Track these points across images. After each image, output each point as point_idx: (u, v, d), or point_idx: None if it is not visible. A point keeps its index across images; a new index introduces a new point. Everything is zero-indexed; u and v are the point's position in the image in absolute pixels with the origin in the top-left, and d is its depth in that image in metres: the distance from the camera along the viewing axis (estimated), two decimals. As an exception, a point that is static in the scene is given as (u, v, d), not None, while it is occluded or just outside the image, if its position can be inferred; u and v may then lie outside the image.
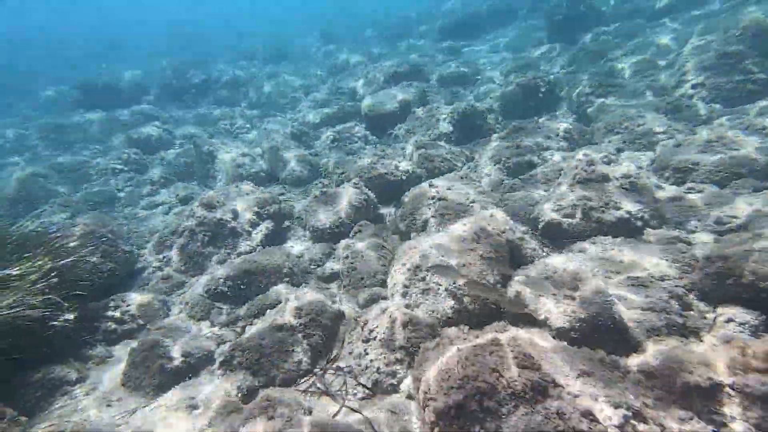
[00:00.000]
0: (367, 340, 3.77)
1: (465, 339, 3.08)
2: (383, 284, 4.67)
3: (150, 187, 8.47)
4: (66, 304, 4.23)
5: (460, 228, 4.39)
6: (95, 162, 9.78)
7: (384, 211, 6.39)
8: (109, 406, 3.51)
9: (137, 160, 9.50)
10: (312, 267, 5.49)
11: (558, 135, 6.84)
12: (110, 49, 29.64)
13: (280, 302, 4.75)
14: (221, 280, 5.02)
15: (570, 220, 4.65)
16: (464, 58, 14.02)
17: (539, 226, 4.85)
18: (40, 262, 4.09)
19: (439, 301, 3.76)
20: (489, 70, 12.12)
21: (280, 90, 13.93)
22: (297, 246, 5.95)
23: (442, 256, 4.02)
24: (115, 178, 9.05)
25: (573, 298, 3.33)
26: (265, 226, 6.00)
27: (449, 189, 5.74)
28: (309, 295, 4.39)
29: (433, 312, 3.72)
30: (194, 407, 3.37)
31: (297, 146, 8.78)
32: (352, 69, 14.88)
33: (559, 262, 3.79)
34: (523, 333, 3.05)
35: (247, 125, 11.79)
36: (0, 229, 4.14)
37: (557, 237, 4.72)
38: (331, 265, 5.33)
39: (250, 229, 5.93)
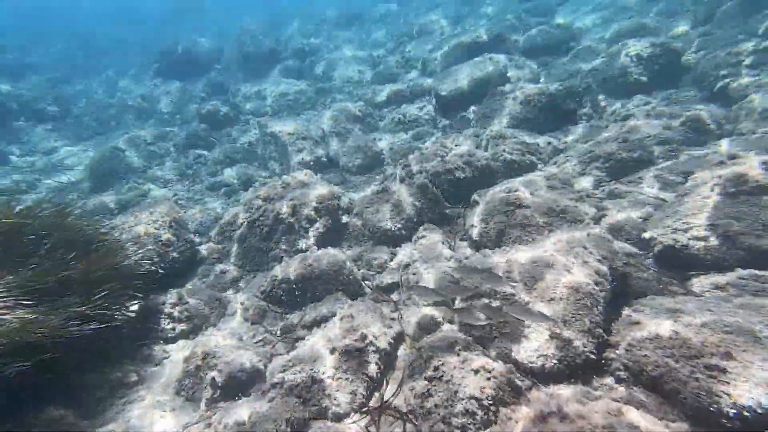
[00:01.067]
0: (431, 379, 3.30)
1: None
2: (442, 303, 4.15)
3: (215, 167, 8.54)
4: (129, 300, 4.30)
5: (548, 247, 3.67)
6: (170, 136, 10.07)
7: (451, 211, 5.74)
8: (162, 417, 3.47)
9: (205, 136, 9.64)
10: (370, 273, 5.09)
11: (685, 123, 5.54)
12: (186, 12, 30.59)
13: (334, 315, 4.46)
14: (276, 282, 4.82)
15: (702, 243, 3.69)
16: (558, 20, 12.14)
17: (654, 250, 3.95)
18: (107, 257, 4.09)
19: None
20: (590, 33, 10.39)
21: (345, 63, 13.36)
22: (354, 248, 5.58)
23: (526, 291, 3.36)
24: (185, 155, 9.27)
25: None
26: (322, 224, 5.66)
27: (532, 194, 4.93)
28: (363, 316, 4.01)
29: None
30: (242, 436, 3.19)
31: (360, 129, 8.27)
32: (426, 37, 13.74)
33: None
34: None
35: (310, 103, 11.47)
36: (71, 222, 4.15)
37: (681, 266, 3.80)
38: (391, 277, 4.88)
39: (308, 225, 5.64)
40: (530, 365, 3.12)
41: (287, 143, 7.84)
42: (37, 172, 9.47)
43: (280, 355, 4.13)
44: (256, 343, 4.34)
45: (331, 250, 5.26)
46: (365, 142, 7.63)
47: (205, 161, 8.92)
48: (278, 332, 4.48)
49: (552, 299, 3.33)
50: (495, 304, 3.50)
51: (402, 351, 3.93)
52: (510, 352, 3.24)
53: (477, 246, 4.94)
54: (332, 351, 3.70)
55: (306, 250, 5.47)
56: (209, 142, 9.57)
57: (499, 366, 3.03)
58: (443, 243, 5.09)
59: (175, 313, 4.45)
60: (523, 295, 3.47)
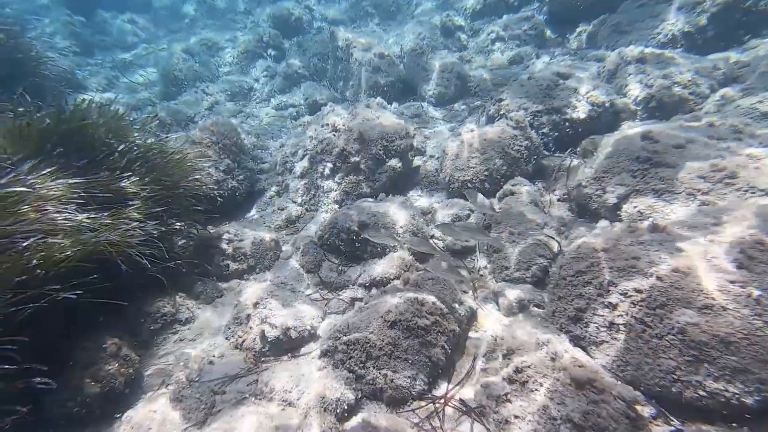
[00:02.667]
0: (511, 381, 2.73)
1: None
2: (538, 282, 3.45)
3: (282, 81, 7.86)
4: (189, 227, 4.09)
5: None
6: (239, 40, 9.37)
7: (548, 162, 4.69)
8: (211, 363, 3.34)
9: (277, 45, 8.84)
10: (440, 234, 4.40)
11: None
12: None
13: (396, 277, 3.94)
14: (335, 229, 4.34)
15: None
16: None
17: None
18: (161, 178, 3.78)
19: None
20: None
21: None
22: (424, 198, 4.84)
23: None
24: (253, 64, 8.63)
25: None
26: (390, 167, 4.92)
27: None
28: (431, 284, 3.44)
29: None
30: (290, 404, 2.97)
31: (445, 47, 6.94)
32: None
33: None
34: None
35: (395, 6, 9.81)
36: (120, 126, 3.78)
37: None
38: (466, 241, 4.16)
39: (374, 167, 4.94)
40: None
41: (360, 61, 6.83)
42: (117, 68, 9.47)
43: (335, 313, 3.78)
44: (309, 295, 4.01)
45: (396, 198, 4.59)
46: (452, 65, 6.39)
47: (273, 73, 8.25)
48: (333, 286, 4.10)
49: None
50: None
51: (473, 333, 3.38)
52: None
53: (583, 210, 3.97)
54: (392, 325, 3.22)
55: (371, 195, 4.86)
56: (281, 50, 8.77)
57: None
58: (533, 203, 4.18)
59: (230, 250, 4.20)
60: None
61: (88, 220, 2.90)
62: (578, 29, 6.32)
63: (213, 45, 8.90)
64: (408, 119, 6.23)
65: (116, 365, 3.00)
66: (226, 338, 3.59)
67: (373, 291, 3.96)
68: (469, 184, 4.63)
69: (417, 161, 5.34)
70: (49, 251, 2.47)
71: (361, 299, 3.88)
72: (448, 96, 6.28)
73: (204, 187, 4.43)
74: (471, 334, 3.37)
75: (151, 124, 4.21)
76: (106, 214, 3.00)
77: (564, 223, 4.02)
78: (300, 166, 5.23)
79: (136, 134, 3.78)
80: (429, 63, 6.47)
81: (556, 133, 4.72)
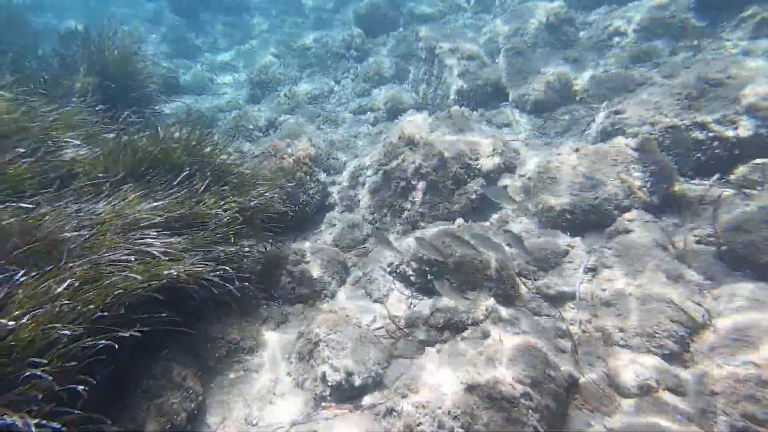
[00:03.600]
0: None
1: None
2: (671, 356, 2.72)
3: (362, 85, 7.60)
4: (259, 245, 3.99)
5: None
6: (324, 41, 9.28)
7: (683, 191, 3.77)
8: (271, 403, 3.17)
9: (359, 45, 8.60)
10: (530, 268, 3.77)
11: None
12: None
13: (476, 323, 3.42)
14: (405, 257, 3.93)
15: None
16: None
17: None
18: (237, 198, 3.70)
19: None
20: None
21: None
22: (514, 225, 4.20)
23: None
24: (336, 65, 8.50)
25: None
26: (473, 188, 4.36)
27: None
28: (521, 337, 2.90)
29: None
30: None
31: (547, 44, 6.06)
32: None
33: None
34: None
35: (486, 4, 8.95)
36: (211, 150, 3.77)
37: None
38: (564, 285, 3.48)
39: (453, 186, 4.41)
40: None
41: (446, 63, 6.26)
42: (214, 70, 10.02)
43: (402, 357, 3.40)
44: (375, 330, 3.67)
45: (480, 227, 4.02)
46: (555, 66, 5.53)
47: (355, 75, 8.03)
48: (402, 322, 3.71)
49: None
50: None
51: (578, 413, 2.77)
52: None
53: (741, 261, 3.10)
54: (469, 389, 2.76)
55: (448, 218, 4.35)
56: (363, 50, 8.51)
57: None
58: (659, 245, 3.35)
59: (297, 272, 4.01)
60: None
61: (177, 245, 2.85)
62: (746, 12, 4.95)
63: (299, 46, 8.94)
64: (496, 129, 5.56)
65: (180, 397, 2.93)
66: (288, 374, 3.39)
67: (446, 334, 3.50)
68: (567, 215, 3.90)
69: (504, 180, 4.69)
70: (132, 281, 2.41)
71: (431, 344, 3.44)
72: (547, 103, 5.46)
73: (276, 204, 4.28)
74: (574, 412, 2.76)
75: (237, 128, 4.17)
76: (181, 239, 2.93)
77: (709, 277, 3.14)
78: (372, 180, 4.90)
79: (217, 151, 3.71)
80: (525, 63, 5.68)
81: (698, 155, 3.75)
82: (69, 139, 3.54)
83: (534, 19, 6.37)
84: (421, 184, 4.53)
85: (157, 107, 6.37)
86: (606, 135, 4.23)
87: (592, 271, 3.51)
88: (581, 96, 5.15)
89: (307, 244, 4.32)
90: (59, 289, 1.98)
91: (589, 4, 6.88)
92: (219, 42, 11.44)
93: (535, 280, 3.64)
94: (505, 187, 4.55)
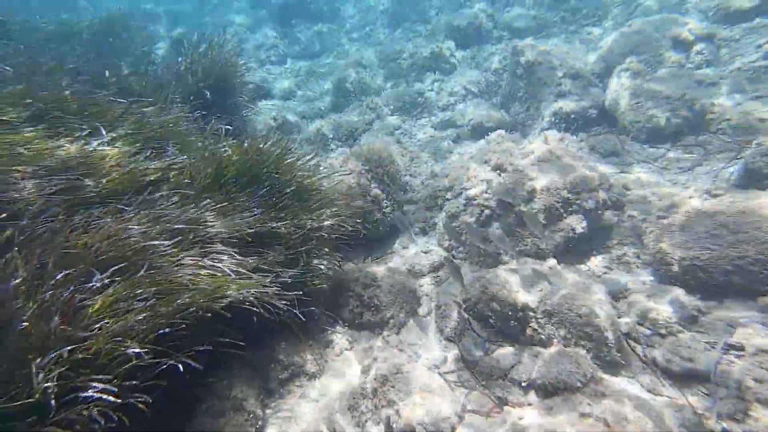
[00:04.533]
0: None
1: None
2: None
3: (447, 99, 7.30)
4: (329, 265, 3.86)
5: None
6: (413, 50, 9.13)
7: None
8: (322, 441, 2.96)
9: (447, 57, 8.32)
10: (644, 331, 3.16)
11: None
12: None
13: (570, 389, 2.92)
14: (486, 296, 3.54)
15: None
16: None
17: None
18: (313, 217, 3.61)
19: None
20: None
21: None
22: (620, 275, 3.60)
23: None
24: (421, 77, 8.31)
25: None
26: (569, 224, 3.83)
27: None
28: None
29: None
30: None
31: (674, 63, 5.27)
32: None
33: None
34: None
35: (600, 11, 8.08)
36: (289, 164, 3.74)
37: None
38: (689, 361, 2.85)
39: (546, 221, 3.91)
40: None
41: (544, 80, 5.74)
42: (301, 77, 10.40)
43: (475, 413, 3.02)
44: (444, 374, 3.32)
45: (581, 277, 3.48)
46: (683, 89, 4.75)
47: (440, 88, 7.77)
48: (476, 370, 3.31)
49: None
50: None
51: None
52: None
53: None
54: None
55: (538, 256, 3.87)
56: (452, 62, 8.22)
57: None
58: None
59: (365, 297, 3.80)
60: None
61: (248, 264, 2.79)
62: None
63: (387, 55, 8.92)
64: (600, 158, 4.92)
65: (241, 421, 2.84)
66: (349, 409, 3.17)
67: (532, 397, 3.04)
68: (700, 272, 3.22)
69: (608, 217, 4.08)
70: (204, 298, 2.36)
71: (514, 405, 3.00)
72: (670, 131, 4.70)
73: (349, 223, 4.12)
74: None
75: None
76: (253, 259, 2.85)
77: None
78: (452, 205, 4.56)
79: (297, 167, 3.66)
80: (642, 86, 4.97)
81: None
82: (167, 146, 3.69)
83: (662, 37, 5.57)
84: (507, 216, 4.10)
85: (246, 113, 6.66)
86: (755, 177, 3.46)
87: (737, 350, 2.82)
88: (719, 126, 4.33)
89: (377, 267, 4.10)
90: (137, 307, 1.92)
91: (739, 19, 5.85)
92: (308, 49, 11.89)
93: (648, 346, 3.03)
94: (610, 229, 3.96)
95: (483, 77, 7.16)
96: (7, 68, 4.28)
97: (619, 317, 3.30)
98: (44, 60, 5.36)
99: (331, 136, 6.83)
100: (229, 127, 4.95)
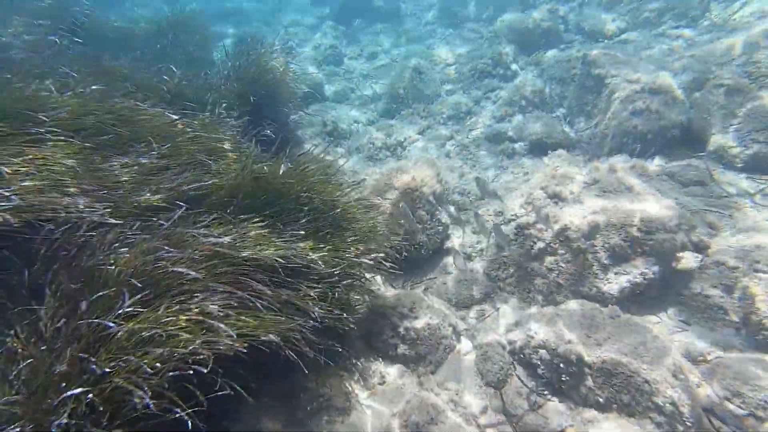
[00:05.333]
0: None
1: None
2: None
3: (505, 109, 6.87)
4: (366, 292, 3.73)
5: None
6: (471, 55, 8.72)
7: None
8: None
9: (508, 62, 7.85)
10: (753, 415, 2.71)
11: None
12: None
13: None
14: (533, 342, 3.22)
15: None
16: None
17: None
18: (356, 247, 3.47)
19: None
20: None
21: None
22: (707, 337, 3.12)
23: None
24: (478, 83, 7.91)
25: None
26: (638, 267, 3.38)
27: None
28: None
29: None
30: None
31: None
32: None
33: None
34: None
35: (697, 10, 7.11)
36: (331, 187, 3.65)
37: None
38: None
39: (609, 262, 3.48)
40: None
41: (618, 94, 5.16)
42: (356, 79, 10.38)
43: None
44: (486, 427, 3.07)
45: (650, 334, 3.05)
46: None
47: (497, 96, 7.35)
48: (520, 426, 3.03)
49: None
50: None
51: None
52: None
53: None
54: None
55: (599, 300, 3.47)
56: (513, 68, 7.74)
57: None
58: None
59: (401, 328, 3.62)
60: None
61: (282, 296, 2.72)
62: None
63: (442, 59, 8.62)
64: (680, 188, 4.32)
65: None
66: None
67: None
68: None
69: (688, 262, 3.57)
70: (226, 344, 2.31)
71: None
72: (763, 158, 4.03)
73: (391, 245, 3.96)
74: None
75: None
76: (288, 291, 2.77)
77: None
78: (501, 230, 4.22)
79: (340, 193, 3.54)
80: (743, 105, 4.29)
81: None
82: (207, 159, 3.70)
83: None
84: (563, 251, 3.71)
85: (295, 118, 6.69)
86: None
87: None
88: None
89: (416, 295, 3.90)
90: (157, 352, 1.89)
91: None
92: (366, 50, 11.83)
93: (739, 430, 2.57)
94: (691, 276, 3.44)
95: (546, 86, 6.63)
96: (73, 74, 4.55)
97: (698, 387, 2.84)
98: (105, 60, 5.69)
99: (380, 144, 6.69)
100: (272, 135, 4.96)
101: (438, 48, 9.85)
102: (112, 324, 2.01)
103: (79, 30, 6.52)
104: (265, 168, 3.46)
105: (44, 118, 2.93)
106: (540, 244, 3.87)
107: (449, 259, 4.58)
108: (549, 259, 3.80)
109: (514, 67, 7.81)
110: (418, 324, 3.67)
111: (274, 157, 4.50)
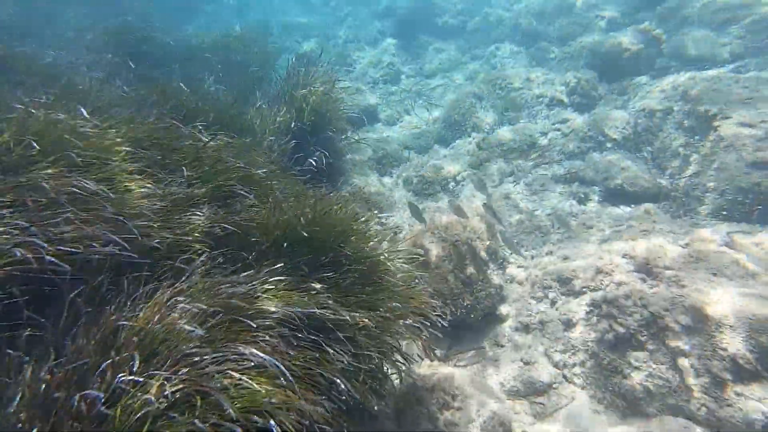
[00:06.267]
0: None
1: None
2: None
3: (577, 144, 6.08)
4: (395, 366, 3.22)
5: None
6: (540, 79, 7.97)
7: None
8: None
9: (586, 91, 7.04)
10: None
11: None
12: None
13: None
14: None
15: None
16: None
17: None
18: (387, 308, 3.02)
19: None
20: None
21: None
22: None
23: None
24: (548, 112, 7.16)
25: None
26: (734, 343, 2.55)
27: None
28: None
29: None
30: None
31: None
32: None
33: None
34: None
35: None
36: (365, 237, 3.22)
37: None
38: None
39: (730, 378, 2.67)
40: None
41: (729, 140, 4.24)
42: (412, 99, 9.99)
43: None
44: None
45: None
46: None
47: (569, 129, 6.56)
48: None
49: None
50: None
51: None
52: None
53: None
54: None
55: (715, 427, 2.69)
56: (591, 98, 6.92)
57: None
58: None
59: (441, 421, 3.05)
60: None
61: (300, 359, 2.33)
62: None
63: (506, 84, 7.96)
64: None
65: None
66: None
67: None
68: None
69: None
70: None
71: None
72: None
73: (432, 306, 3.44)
74: None
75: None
76: (306, 357, 2.36)
77: None
78: (569, 308, 3.53)
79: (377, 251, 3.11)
80: None
81: None
82: (245, 192, 3.43)
83: None
84: (656, 343, 2.96)
85: (344, 144, 6.40)
86: None
87: None
88: None
89: (460, 377, 3.31)
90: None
91: None
92: (426, 68, 11.44)
93: None
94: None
95: (632, 121, 5.75)
96: (125, 91, 4.56)
97: None
98: (157, 77, 5.76)
99: (430, 177, 6.18)
100: (320, 162, 4.67)
101: (504, 69, 9.19)
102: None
103: (142, 52, 6.74)
104: (293, 209, 3.11)
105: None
106: (620, 330, 3.13)
107: (502, 328, 3.93)
108: (632, 354, 3.05)
109: (593, 94, 6.97)
110: (462, 417, 3.08)
111: (312, 188, 4.22)
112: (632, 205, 4.65)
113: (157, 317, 2.12)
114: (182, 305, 2.18)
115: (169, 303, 2.22)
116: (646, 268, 3.23)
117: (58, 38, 8.19)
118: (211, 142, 3.54)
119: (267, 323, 2.41)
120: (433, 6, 13.15)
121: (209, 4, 17.68)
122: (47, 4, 10.56)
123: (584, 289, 3.56)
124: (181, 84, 4.82)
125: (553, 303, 3.79)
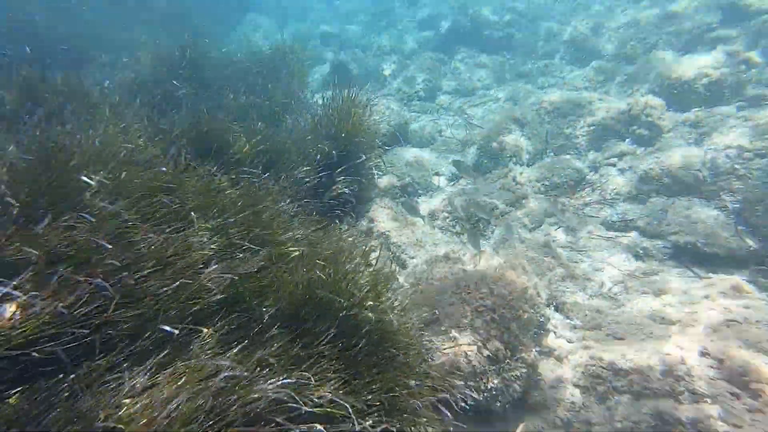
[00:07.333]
0: None
1: None
2: None
3: (638, 184, 5.24)
4: None
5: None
6: (594, 106, 7.17)
7: None
8: None
9: (649, 122, 6.17)
10: None
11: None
12: None
13: None
14: None
15: None
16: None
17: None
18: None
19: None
20: None
21: None
22: None
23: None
24: (602, 144, 6.34)
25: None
26: None
27: None
28: None
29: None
30: None
31: None
32: None
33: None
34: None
35: None
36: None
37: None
38: None
39: None
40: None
41: None
42: (444, 119, 9.39)
43: None
44: None
45: None
46: None
47: (627, 165, 5.73)
48: None
49: None
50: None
51: None
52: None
53: None
54: None
55: None
56: (656, 128, 6.05)
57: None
58: None
59: None
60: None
61: None
62: None
63: (555, 108, 7.20)
64: None
65: None
66: None
67: None
68: None
69: None
70: None
71: None
72: None
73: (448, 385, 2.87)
74: None
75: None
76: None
77: None
78: (627, 408, 2.79)
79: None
80: None
81: None
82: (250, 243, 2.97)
83: None
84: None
85: (373, 171, 5.95)
86: None
87: None
88: None
89: None
90: None
91: None
92: (464, 85, 10.82)
93: None
94: None
95: (710, 159, 4.86)
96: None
97: None
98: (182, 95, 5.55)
99: (460, 213, 5.53)
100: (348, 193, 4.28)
101: (552, 91, 8.43)
102: None
103: (183, 71, 6.67)
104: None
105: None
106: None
107: (538, 421, 3.22)
108: None
109: (661, 122, 6.09)
110: None
111: (326, 226, 3.76)
112: (709, 272, 3.81)
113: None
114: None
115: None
116: (741, 381, 2.45)
117: (112, 66, 8.38)
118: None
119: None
120: (478, 16, 12.54)
121: (250, 12, 18.04)
122: (109, 25, 11.02)
123: (644, 384, 2.81)
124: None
125: (604, 399, 3.05)
